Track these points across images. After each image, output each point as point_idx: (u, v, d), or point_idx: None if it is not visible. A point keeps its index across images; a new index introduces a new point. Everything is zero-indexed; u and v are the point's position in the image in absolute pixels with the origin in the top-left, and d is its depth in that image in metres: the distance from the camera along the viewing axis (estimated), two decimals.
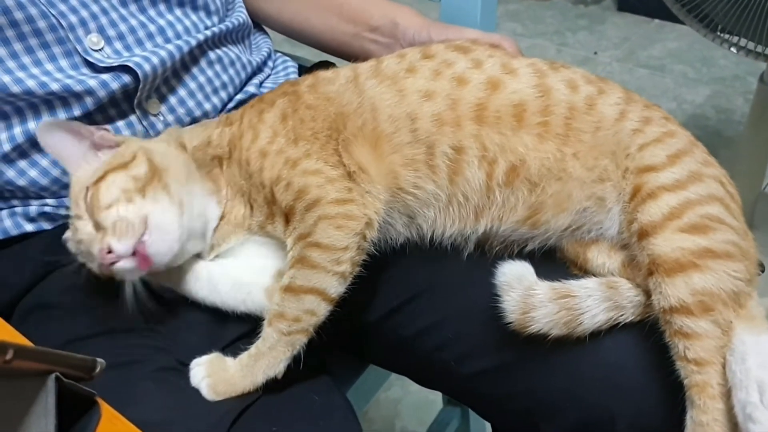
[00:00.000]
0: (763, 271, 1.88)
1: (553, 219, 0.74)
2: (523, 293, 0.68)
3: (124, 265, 0.68)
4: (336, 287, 0.69)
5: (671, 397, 0.67)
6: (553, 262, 0.76)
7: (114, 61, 0.80)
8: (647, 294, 0.69)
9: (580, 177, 0.73)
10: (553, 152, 0.72)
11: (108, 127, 0.78)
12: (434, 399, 1.56)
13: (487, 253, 0.76)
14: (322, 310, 0.70)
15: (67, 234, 0.74)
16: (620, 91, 0.77)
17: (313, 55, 1.10)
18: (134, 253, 0.68)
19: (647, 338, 0.69)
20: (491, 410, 0.82)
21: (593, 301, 0.69)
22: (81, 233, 0.70)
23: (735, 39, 1.47)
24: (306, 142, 0.73)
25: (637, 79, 2.50)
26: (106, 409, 0.45)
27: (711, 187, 0.71)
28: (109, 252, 0.67)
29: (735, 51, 1.47)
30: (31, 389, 0.39)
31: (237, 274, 0.76)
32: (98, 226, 0.69)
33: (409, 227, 0.76)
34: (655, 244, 0.67)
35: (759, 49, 1.45)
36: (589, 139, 0.73)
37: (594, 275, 0.74)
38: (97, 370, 0.45)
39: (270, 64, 1.00)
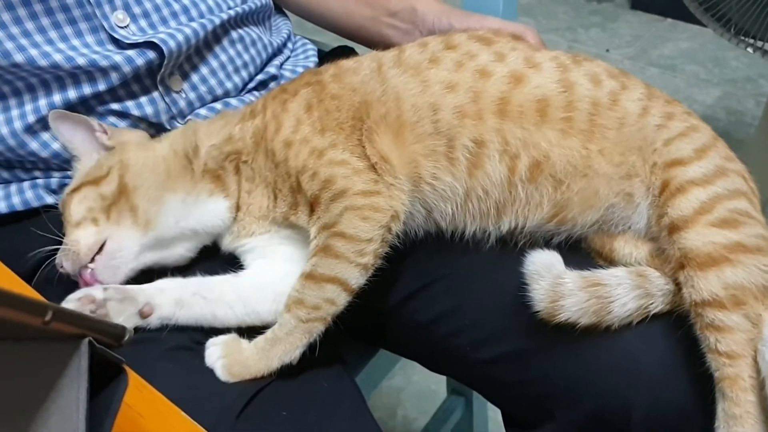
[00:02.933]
0: None
1: (580, 216, 0.74)
2: (552, 282, 0.68)
3: (80, 278, 0.73)
4: (357, 278, 0.70)
5: (688, 389, 0.68)
6: (579, 252, 0.76)
7: (139, 38, 0.80)
8: (676, 283, 0.69)
9: (607, 173, 0.73)
10: (577, 148, 0.72)
11: (106, 127, 0.80)
12: (436, 389, 1.57)
13: (510, 244, 0.76)
14: (342, 299, 0.70)
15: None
16: (642, 86, 0.77)
17: (332, 40, 1.11)
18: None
19: (666, 330, 0.70)
20: (504, 396, 0.82)
21: (623, 290, 0.69)
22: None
23: (752, 40, 1.47)
24: (332, 132, 0.73)
25: (648, 78, 2.49)
26: (133, 377, 0.46)
27: (736, 182, 0.72)
28: (62, 267, 0.73)
29: (752, 51, 1.47)
30: (65, 352, 0.40)
31: (272, 287, 0.76)
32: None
33: (427, 222, 0.76)
34: (687, 239, 0.68)
35: None
36: (614, 136, 0.73)
37: (620, 265, 0.74)
38: (126, 337, 0.45)
39: (290, 45, 1.01)
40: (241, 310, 0.75)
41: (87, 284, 0.72)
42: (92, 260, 0.73)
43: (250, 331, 0.73)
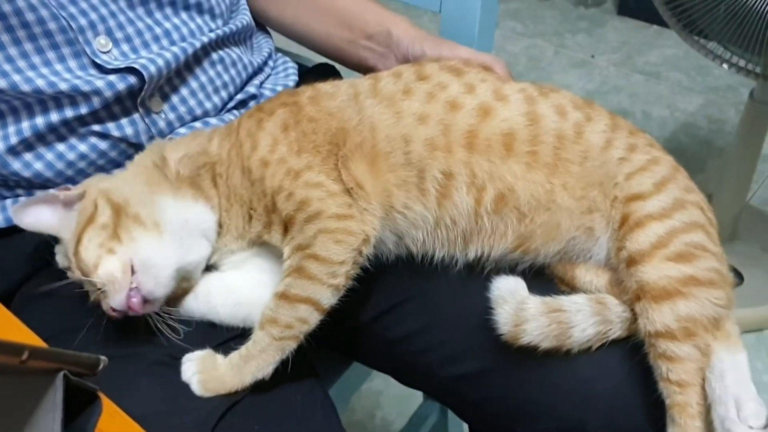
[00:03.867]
0: (742, 282, 1.92)
1: (542, 247, 0.77)
2: (516, 307, 0.71)
3: (135, 310, 0.72)
4: (329, 298, 0.72)
5: (640, 413, 0.72)
6: (542, 277, 0.79)
7: (121, 63, 0.82)
8: (633, 312, 0.72)
9: (569, 207, 0.76)
10: (541, 182, 0.75)
11: (68, 186, 0.80)
12: (414, 392, 1.58)
13: (477, 269, 0.79)
14: (314, 319, 0.72)
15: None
16: (606, 117, 0.80)
17: (314, 56, 1.13)
18: (132, 298, 0.71)
19: (621, 357, 0.74)
20: (469, 412, 0.86)
21: (583, 316, 0.72)
22: (92, 294, 0.74)
23: (727, 55, 1.50)
24: (308, 154, 0.75)
25: (633, 85, 2.53)
26: (106, 404, 0.48)
27: (693, 215, 0.75)
28: (114, 311, 0.71)
29: (727, 68, 1.50)
30: (40, 385, 0.42)
31: (238, 292, 0.78)
32: (98, 289, 0.72)
33: (398, 246, 0.79)
34: (644, 272, 0.71)
35: (750, 66, 1.48)
36: (578, 170, 0.76)
37: (581, 292, 0.77)
38: (100, 367, 0.48)
39: (270, 63, 1.03)
40: (203, 305, 0.78)
41: (136, 309, 0.72)
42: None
43: (225, 348, 0.76)
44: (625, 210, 0.75)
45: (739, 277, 1.76)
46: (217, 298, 0.79)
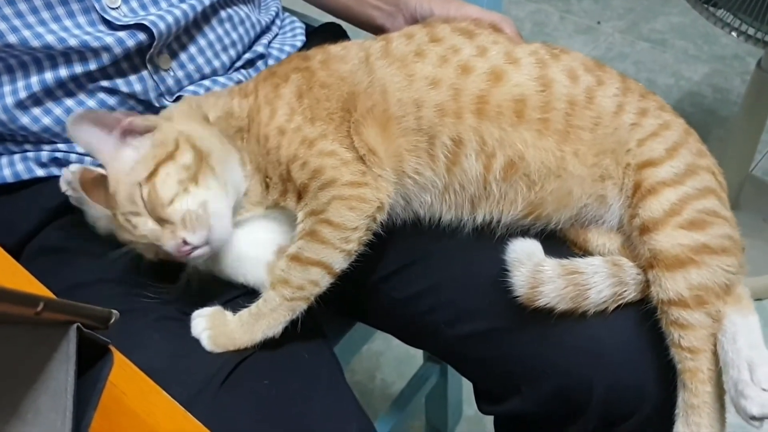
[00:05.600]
0: (742, 251, 1.92)
1: (554, 214, 0.77)
2: (532, 269, 0.71)
3: (200, 253, 0.71)
4: (341, 263, 0.73)
5: (647, 372, 0.73)
6: (555, 240, 0.80)
7: (130, 20, 0.82)
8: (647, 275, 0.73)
9: (581, 175, 0.75)
10: (552, 150, 0.75)
11: (136, 113, 0.78)
12: (415, 354, 1.60)
13: (486, 233, 0.79)
14: (325, 281, 0.73)
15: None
16: (617, 79, 0.79)
17: (321, 14, 1.12)
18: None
19: (631, 319, 0.74)
20: (475, 371, 0.87)
21: (599, 278, 0.73)
22: (142, 229, 0.71)
23: (736, 23, 1.48)
24: (322, 122, 0.75)
25: (638, 53, 2.50)
26: (117, 357, 0.49)
27: (705, 180, 0.75)
28: (185, 245, 0.70)
29: (735, 35, 1.49)
30: (54, 337, 0.43)
31: (240, 246, 0.78)
32: (161, 221, 0.71)
33: (406, 210, 0.79)
34: (657, 240, 0.71)
35: (759, 35, 1.47)
36: (589, 137, 0.75)
37: (594, 254, 0.77)
38: (112, 320, 0.48)
39: (278, 23, 1.02)
40: (209, 259, 0.77)
41: (206, 249, 0.72)
42: None
43: (233, 305, 0.76)
44: (637, 177, 0.75)
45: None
46: (221, 250, 0.78)
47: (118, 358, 0.49)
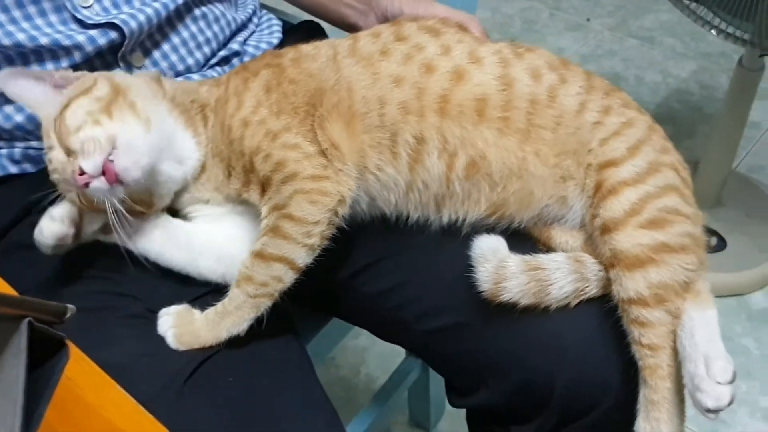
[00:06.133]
0: (725, 247, 1.93)
1: (516, 214, 0.78)
2: (496, 265, 0.73)
3: (98, 185, 0.69)
4: (304, 258, 0.74)
5: (609, 368, 0.74)
6: (520, 236, 0.80)
7: (102, 18, 0.83)
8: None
9: (542, 176, 0.76)
10: (513, 149, 0.75)
11: (67, 70, 0.79)
12: (399, 350, 1.60)
13: (454, 231, 0.80)
14: (289, 277, 0.74)
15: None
16: (581, 78, 0.79)
17: (300, 12, 1.13)
18: (104, 172, 0.69)
19: (594, 315, 0.75)
20: (444, 365, 0.88)
21: (561, 273, 0.74)
22: (55, 162, 0.72)
23: (716, 21, 1.49)
24: (287, 115, 0.76)
25: (626, 50, 2.51)
26: (74, 351, 0.50)
27: (668, 177, 0.76)
28: (81, 174, 0.68)
29: (715, 34, 1.50)
30: (7, 331, 0.44)
31: (220, 246, 0.79)
32: (69, 152, 0.71)
33: (371, 207, 0.80)
34: (617, 240, 0.72)
35: (738, 33, 1.48)
36: (551, 137, 0.76)
37: (557, 251, 0.78)
38: (68, 315, 0.49)
39: (255, 21, 1.03)
40: (186, 257, 0.79)
41: (110, 180, 0.69)
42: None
43: (202, 303, 0.77)
44: (599, 177, 0.75)
45: (723, 242, 1.78)
46: (199, 249, 0.79)
47: (75, 352, 0.50)
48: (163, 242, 0.79)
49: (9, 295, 0.42)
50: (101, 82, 0.74)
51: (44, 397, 0.46)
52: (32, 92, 0.75)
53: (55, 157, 0.72)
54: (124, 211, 0.71)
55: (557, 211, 0.78)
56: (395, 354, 1.63)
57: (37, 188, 0.79)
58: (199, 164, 0.80)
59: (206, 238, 0.80)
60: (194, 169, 0.79)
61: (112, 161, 0.69)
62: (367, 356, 1.68)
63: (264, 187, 0.76)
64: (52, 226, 0.75)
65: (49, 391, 0.46)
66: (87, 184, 0.69)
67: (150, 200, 0.77)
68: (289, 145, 0.74)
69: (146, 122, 0.73)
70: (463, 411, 0.94)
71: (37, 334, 0.46)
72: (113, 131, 0.70)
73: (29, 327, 0.44)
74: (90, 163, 0.68)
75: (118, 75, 0.78)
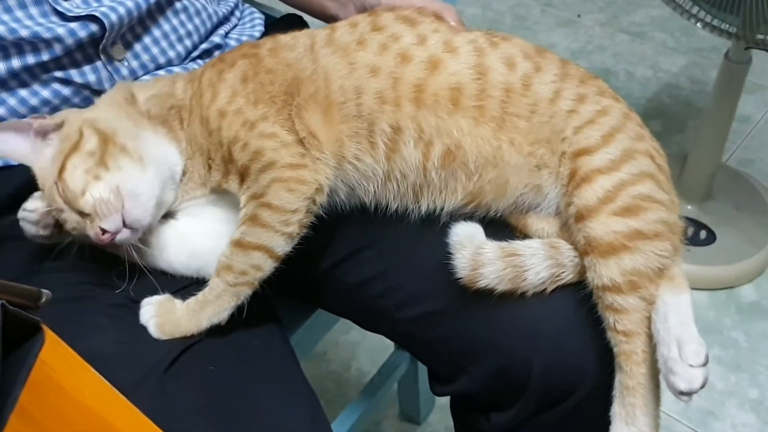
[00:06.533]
0: (714, 240, 1.93)
1: (493, 203, 0.79)
2: (473, 251, 0.73)
3: (122, 236, 0.73)
4: (283, 246, 0.74)
5: (584, 352, 0.75)
6: (498, 223, 0.81)
7: (82, 11, 0.83)
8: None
9: (517, 164, 0.77)
10: (488, 138, 0.76)
11: (44, 114, 0.79)
12: (390, 344, 1.62)
13: (433, 220, 0.81)
14: (268, 266, 0.75)
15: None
16: (556, 66, 0.80)
17: (282, 6, 1.13)
18: (124, 223, 0.72)
19: (570, 300, 0.76)
20: (425, 353, 0.89)
21: (537, 260, 0.75)
22: (71, 222, 0.73)
23: (702, 14, 1.50)
24: (264, 105, 0.77)
25: (617, 45, 2.52)
26: (50, 336, 0.50)
27: (643, 164, 0.76)
28: (104, 233, 0.71)
29: (701, 27, 1.51)
30: None
31: (192, 242, 0.80)
32: (82, 214, 0.72)
33: (351, 197, 0.80)
34: (591, 228, 0.73)
35: (724, 26, 1.48)
36: (525, 126, 0.77)
37: (533, 238, 0.79)
38: (42, 300, 0.50)
39: (237, 14, 1.04)
40: (157, 254, 0.80)
41: (128, 232, 0.73)
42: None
43: (184, 293, 0.78)
44: (573, 165, 0.76)
45: (712, 235, 1.79)
46: (171, 247, 0.80)
47: (52, 337, 0.51)
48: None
49: None
50: (87, 132, 0.75)
51: (19, 380, 0.46)
52: (17, 145, 0.76)
53: (70, 218, 0.73)
54: (139, 245, 0.76)
55: (533, 199, 0.79)
56: (386, 348, 1.64)
57: (19, 182, 0.80)
58: (181, 170, 0.80)
59: (177, 234, 0.81)
60: (179, 176, 0.81)
61: (125, 214, 0.72)
62: (358, 351, 1.69)
63: (243, 176, 0.76)
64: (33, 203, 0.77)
65: (24, 374, 0.46)
66: (112, 239, 0.72)
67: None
68: (267, 134, 0.75)
69: (140, 162, 0.75)
70: None
71: (11, 317, 0.46)
72: (115, 183, 0.73)
73: (2, 310, 0.45)
74: (110, 224, 0.72)
75: (98, 115, 0.78)
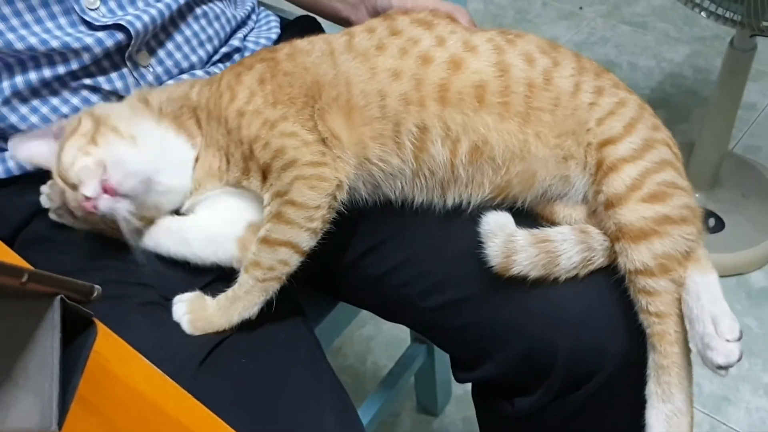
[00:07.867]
0: (723, 227, 1.95)
1: (520, 195, 0.81)
2: (505, 239, 0.75)
3: (104, 204, 0.74)
4: (308, 241, 0.77)
5: (606, 331, 0.78)
6: (522, 214, 0.82)
7: (109, 20, 0.86)
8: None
9: (544, 156, 0.79)
10: (514, 132, 0.78)
11: (63, 120, 0.83)
12: (404, 337, 1.65)
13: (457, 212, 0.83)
14: (294, 261, 0.77)
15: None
16: (572, 59, 0.82)
17: (296, 8, 1.16)
18: (105, 191, 0.74)
19: (595, 284, 0.78)
20: (449, 341, 0.91)
21: (569, 245, 0.77)
22: (69, 201, 0.77)
23: (706, 3, 1.52)
24: (283, 105, 0.79)
25: (619, 36, 2.54)
26: (101, 328, 0.53)
27: (662, 153, 0.79)
28: (87, 200, 0.74)
29: (706, 16, 1.53)
30: (41, 307, 0.47)
31: (209, 226, 0.82)
32: (74, 187, 0.75)
33: (374, 194, 0.83)
34: (621, 214, 0.75)
35: (728, 14, 1.50)
36: (549, 119, 0.79)
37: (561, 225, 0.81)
38: (95, 295, 0.52)
39: (254, 17, 1.06)
40: (177, 240, 0.82)
41: (110, 195, 0.74)
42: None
43: (212, 288, 0.80)
44: (599, 155, 0.79)
45: (721, 222, 1.81)
46: (189, 231, 0.82)
47: (102, 329, 0.53)
48: (156, 235, 0.82)
49: (42, 272, 0.45)
50: (84, 118, 0.79)
51: (77, 370, 0.49)
52: (40, 151, 0.81)
53: (69, 197, 0.77)
54: (139, 226, 0.78)
55: (560, 189, 0.81)
56: (401, 342, 1.67)
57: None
58: (193, 162, 0.83)
59: (194, 222, 0.84)
60: (191, 168, 0.83)
61: (107, 179, 0.74)
62: (374, 345, 1.71)
63: (265, 174, 0.78)
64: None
65: (82, 364, 0.49)
66: (95, 207, 0.74)
67: (158, 212, 0.82)
68: (287, 133, 0.77)
69: (131, 139, 0.78)
70: (469, 396, 0.97)
71: (67, 312, 0.49)
72: (101, 156, 0.76)
73: (61, 303, 0.48)
74: (89, 188, 0.74)
75: (100, 107, 0.83)
